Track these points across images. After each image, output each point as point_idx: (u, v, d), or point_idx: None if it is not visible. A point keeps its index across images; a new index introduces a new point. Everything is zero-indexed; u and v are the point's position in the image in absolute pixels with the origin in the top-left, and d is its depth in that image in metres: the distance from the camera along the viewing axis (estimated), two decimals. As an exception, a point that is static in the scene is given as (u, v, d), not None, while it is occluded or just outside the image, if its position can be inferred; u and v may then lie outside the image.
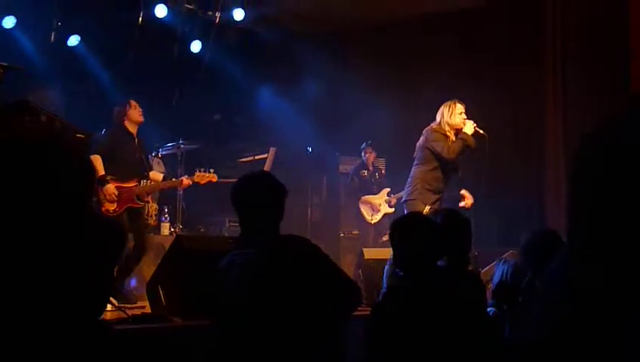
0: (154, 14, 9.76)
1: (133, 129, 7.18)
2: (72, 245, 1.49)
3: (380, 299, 3.47)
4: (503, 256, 5.30)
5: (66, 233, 1.49)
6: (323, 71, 10.80)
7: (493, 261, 6.04)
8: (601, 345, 1.18)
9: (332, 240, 9.96)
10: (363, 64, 10.92)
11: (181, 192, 8.45)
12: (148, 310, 5.50)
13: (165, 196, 8.63)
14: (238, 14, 10.34)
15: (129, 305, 5.96)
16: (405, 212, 6.75)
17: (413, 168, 7.14)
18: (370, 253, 6.87)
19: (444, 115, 7.03)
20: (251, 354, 3.20)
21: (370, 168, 10.20)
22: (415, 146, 7.21)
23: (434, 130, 7.00)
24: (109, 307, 4.88)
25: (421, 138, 7.12)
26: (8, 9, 8.89)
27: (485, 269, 6.64)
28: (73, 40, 9.75)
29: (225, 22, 10.50)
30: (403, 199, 7.16)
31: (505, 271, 4.39)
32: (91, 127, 6.64)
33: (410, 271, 3.46)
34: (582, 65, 9.60)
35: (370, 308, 3.92)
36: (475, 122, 7.02)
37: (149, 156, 7.66)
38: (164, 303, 5.29)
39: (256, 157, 9.23)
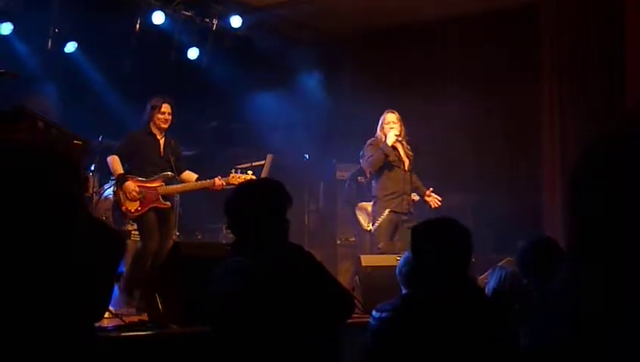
0: (151, 21, 9.76)
1: (157, 131, 7.00)
2: (66, 252, 1.48)
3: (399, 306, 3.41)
4: (499, 263, 5.29)
5: (59, 240, 1.49)
6: (320, 78, 10.82)
7: (490, 268, 6.03)
8: (607, 355, 1.18)
9: (329, 247, 9.95)
10: (360, 71, 10.95)
11: (178, 198, 8.42)
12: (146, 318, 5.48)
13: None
14: (236, 21, 10.35)
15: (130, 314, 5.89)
16: (371, 217, 7.74)
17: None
18: (367, 260, 6.85)
19: (379, 126, 7.84)
20: (249, 360, 3.20)
21: (367, 175, 10.19)
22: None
23: (369, 143, 7.74)
24: (105, 314, 4.87)
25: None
26: (5, 15, 8.87)
27: (482, 276, 6.64)
28: (70, 47, 9.74)
29: (222, 29, 10.50)
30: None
31: (501, 277, 4.38)
32: (88, 133, 6.61)
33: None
34: (577, 63, 9.60)
35: (367, 316, 3.92)
36: (401, 131, 7.72)
37: (181, 156, 7.39)
38: (161, 310, 5.28)
39: (254, 164, 9.19)
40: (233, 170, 7.09)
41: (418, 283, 3.55)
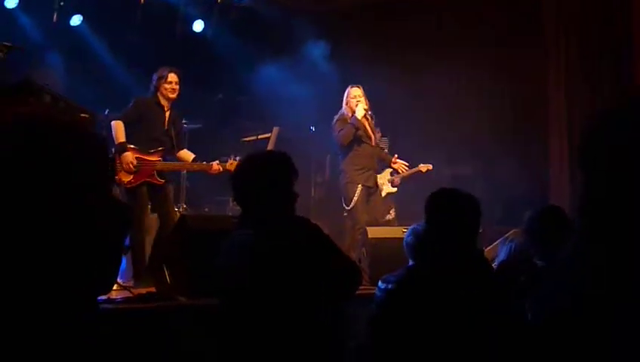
0: (156, -7, 9.73)
1: (165, 102, 6.90)
2: (79, 225, 1.49)
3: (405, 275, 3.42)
4: (507, 234, 5.29)
5: (73, 213, 1.50)
6: (326, 49, 10.78)
7: (497, 239, 6.04)
8: (616, 323, 1.20)
9: (335, 219, 9.95)
10: (366, 43, 10.89)
11: (184, 172, 8.41)
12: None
13: (169, 175, 8.62)
14: (241, -7, 10.31)
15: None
16: (344, 194, 7.74)
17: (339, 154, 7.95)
18: (373, 232, 6.87)
19: (344, 101, 7.87)
20: (254, 333, 3.22)
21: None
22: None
23: (337, 118, 7.80)
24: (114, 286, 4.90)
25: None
26: (10, -11, 8.87)
27: (489, 247, 6.65)
28: (75, 20, 9.73)
29: (227, 1, 10.46)
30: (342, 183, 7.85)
31: (511, 249, 4.39)
32: (94, 106, 6.59)
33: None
34: (584, 40, 9.55)
35: (374, 287, 3.94)
36: (367, 106, 7.74)
37: (181, 133, 7.31)
38: (168, 282, 5.31)
39: (260, 137, 9.21)
40: (231, 156, 7.09)
41: (423, 254, 3.55)
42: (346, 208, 10.05)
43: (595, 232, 1.25)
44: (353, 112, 7.70)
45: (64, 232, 1.48)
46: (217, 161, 6.99)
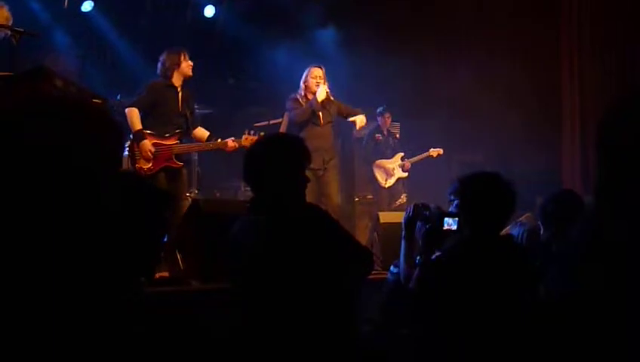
0: (167, -21, 9.73)
1: (178, 82, 6.82)
2: (109, 209, 1.49)
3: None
4: (520, 218, 5.29)
5: (102, 197, 1.50)
6: (337, 34, 10.76)
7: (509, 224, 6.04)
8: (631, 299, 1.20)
9: (347, 204, 9.98)
10: (378, 28, 10.86)
11: (196, 156, 8.42)
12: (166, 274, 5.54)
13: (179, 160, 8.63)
14: (252, -22, 10.29)
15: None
16: None
17: None
18: (385, 217, 6.88)
19: (302, 80, 7.57)
20: (267, 317, 3.23)
21: (385, 132, 10.19)
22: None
23: (290, 98, 7.59)
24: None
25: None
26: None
27: (502, 232, 6.64)
28: (87, 5, 9.73)
29: (238, -15, 10.46)
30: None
31: (520, 233, 4.40)
32: (106, 92, 6.60)
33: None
34: (598, 26, 9.51)
35: (386, 272, 3.95)
36: (329, 88, 7.44)
37: (194, 111, 7.24)
38: (181, 267, 5.33)
39: (271, 122, 9.19)
40: (246, 132, 6.93)
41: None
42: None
43: (612, 211, 1.25)
44: (313, 93, 7.41)
45: (92, 215, 1.47)
46: (232, 138, 6.90)
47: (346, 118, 7.80)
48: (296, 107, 7.48)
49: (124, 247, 1.52)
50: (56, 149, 1.44)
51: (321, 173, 7.32)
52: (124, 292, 1.52)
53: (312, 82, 7.47)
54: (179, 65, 6.79)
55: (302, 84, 7.55)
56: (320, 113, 7.43)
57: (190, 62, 6.85)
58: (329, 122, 7.56)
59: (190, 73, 6.86)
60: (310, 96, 7.46)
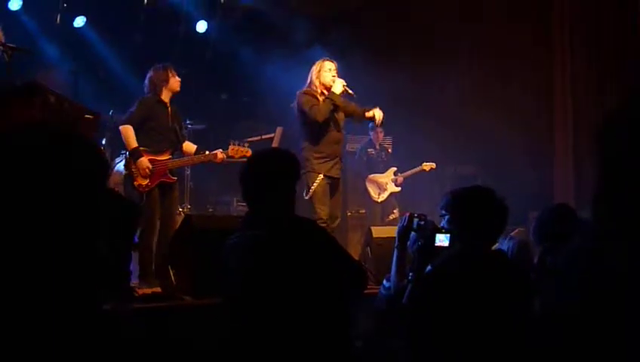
0: (159, -6, 9.76)
1: (167, 98, 6.83)
2: (88, 223, 1.51)
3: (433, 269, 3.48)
4: (511, 233, 5.30)
5: (82, 212, 1.51)
6: (329, 50, 10.78)
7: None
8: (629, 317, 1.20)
9: (338, 218, 9.97)
10: (368, 43, 10.91)
11: (189, 172, 8.43)
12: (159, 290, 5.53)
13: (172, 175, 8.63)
14: (244, -7, 10.33)
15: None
16: (307, 185, 6.66)
17: (300, 138, 6.93)
18: (378, 232, 6.87)
19: (314, 74, 6.89)
20: (260, 333, 3.22)
21: (377, 147, 10.21)
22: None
23: (304, 93, 6.81)
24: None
25: (294, 104, 6.91)
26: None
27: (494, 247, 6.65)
28: (79, 21, 9.77)
29: (230, 1, 10.48)
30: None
31: (510, 247, 4.40)
32: (98, 107, 6.59)
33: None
34: (590, 38, 9.55)
35: (378, 286, 3.94)
36: (345, 81, 6.81)
37: (183, 125, 7.20)
38: (174, 282, 5.32)
39: (264, 137, 9.21)
40: (231, 143, 6.92)
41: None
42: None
43: (611, 222, 1.25)
44: (328, 87, 6.81)
45: (72, 232, 1.49)
46: (221, 150, 6.92)
47: (362, 116, 7.07)
48: (314, 103, 6.75)
49: (92, 261, 1.54)
50: (46, 175, 1.47)
51: (336, 183, 6.91)
52: (81, 306, 1.53)
53: (326, 75, 6.84)
54: (167, 81, 6.81)
55: (314, 79, 6.86)
56: (336, 115, 6.86)
57: (178, 78, 6.86)
58: (342, 127, 7.00)
59: (178, 88, 6.88)
60: (326, 92, 6.82)
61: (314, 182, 6.68)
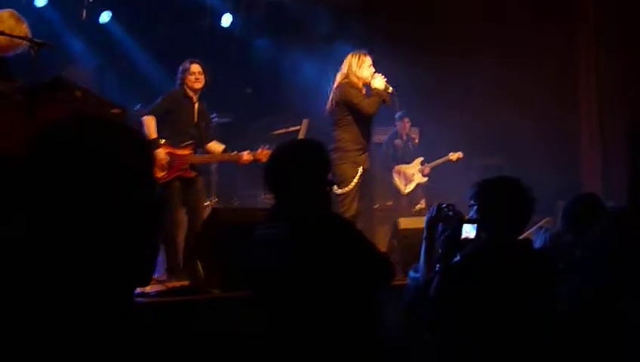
0: (184, -12, 9.78)
1: (192, 93, 6.88)
2: (121, 216, 1.51)
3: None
4: (540, 223, 5.26)
5: (118, 207, 1.51)
6: (354, 43, 10.75)
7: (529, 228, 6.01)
8: None
9: (366, 211, 9.95)
10: (393, 34, 10.85)
11: (215, 165, 8.44)
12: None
13: (200, 168, 8.65)
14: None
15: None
16: (343, 180, 6.56)
17: (334, 130, 6.81)
18: (405, 223, 6.83)
19: (353, 67, 6.76)
20: (288, 326, 3.21)
21: (404, 137, 10.17)
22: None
23: (349, 85, 6.70)
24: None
25: (332, 95, 6.79)
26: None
27: (522, 236, 6.60)
28: (105, 16, 9.81)
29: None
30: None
31: (546, 239, 4.36)
32: (125, 102, 6.62)
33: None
34: (617, 23, 9.44)
35: (406, 277, 3.92)
36: (384, 76, 6.73)
37: (210, 125, 7.24)
38: (202, 276, 5.33)
39: (290, 130, 9.20)
40: (262, 146, 6.91)
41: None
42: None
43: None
44: (365, 80, 6.76)
45: (110, 226, 1.49)
46: (248, 151, 6.92)
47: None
48: (363, 96, 6.68)
49: (123, 254, 1.54)
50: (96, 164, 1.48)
51: (368, 176, 6.92)
52: (115, 299, 1.53)
53: (367, 71, 6.76)
54: (183, 80, 6.87)
55: (353, 72, 6.74)
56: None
57: (194, 77, 6.85)
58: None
59: (195, 87, 6.87)
60: (361, 86, 6.76)
61: (354, 176, 6.64)
